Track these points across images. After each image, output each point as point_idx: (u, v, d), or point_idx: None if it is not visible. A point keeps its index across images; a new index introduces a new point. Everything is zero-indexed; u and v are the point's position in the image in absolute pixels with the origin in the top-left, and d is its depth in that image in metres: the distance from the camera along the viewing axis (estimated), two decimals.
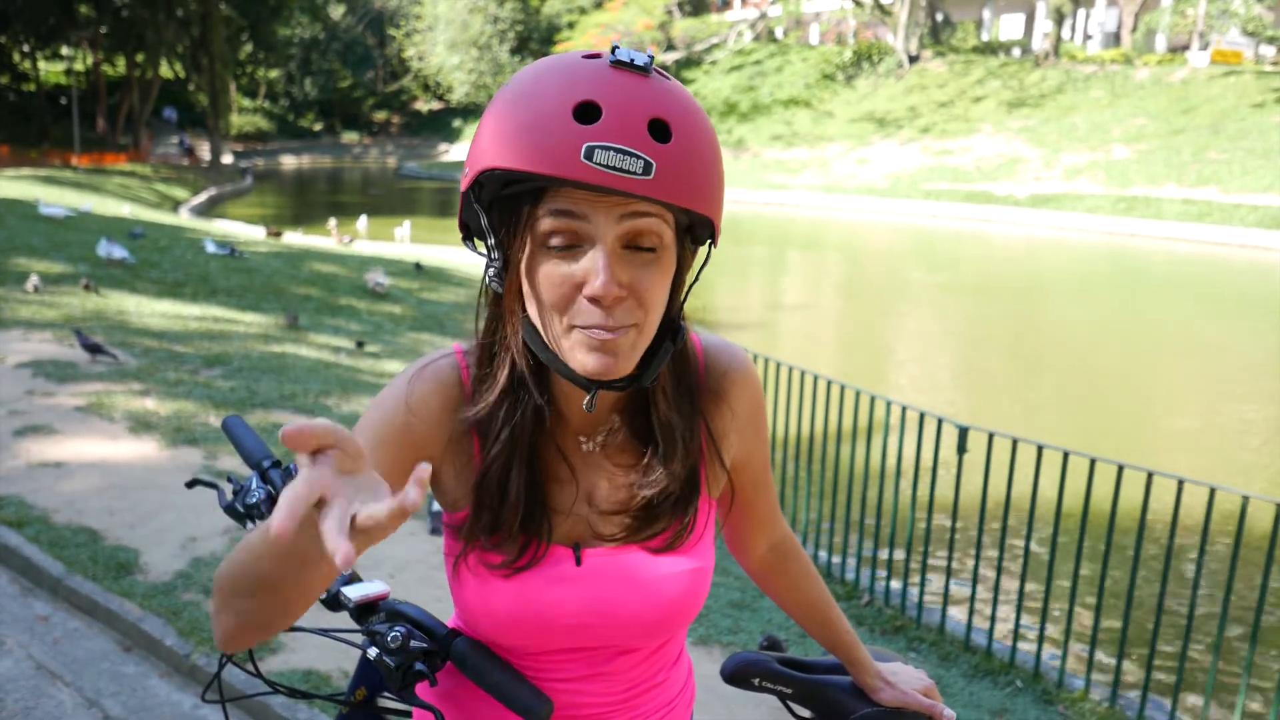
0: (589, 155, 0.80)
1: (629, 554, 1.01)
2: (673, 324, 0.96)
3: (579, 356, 0.88)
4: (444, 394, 1.00)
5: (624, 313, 0.87)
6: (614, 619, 1.00)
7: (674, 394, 1.00)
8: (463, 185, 0.91)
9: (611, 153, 0.80)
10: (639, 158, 0.81)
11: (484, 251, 0.95)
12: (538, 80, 0.85)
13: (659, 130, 0.83)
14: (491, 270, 0.93)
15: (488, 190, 0.88)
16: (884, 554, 4.94)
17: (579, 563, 1.00)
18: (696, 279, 0.97)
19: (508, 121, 0.84)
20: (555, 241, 0.86)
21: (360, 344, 8.62)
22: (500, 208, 0.89)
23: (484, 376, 0.99)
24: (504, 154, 0.84)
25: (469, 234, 0.97)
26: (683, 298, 0.96)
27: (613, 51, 0.85)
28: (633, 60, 0.84)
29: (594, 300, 0.85)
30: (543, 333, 0.91)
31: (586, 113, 0.82)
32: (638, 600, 1.00)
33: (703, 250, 0.98)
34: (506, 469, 0.97)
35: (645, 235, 0.86)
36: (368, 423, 1.00)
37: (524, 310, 0.92)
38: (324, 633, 1.19)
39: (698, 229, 0.93)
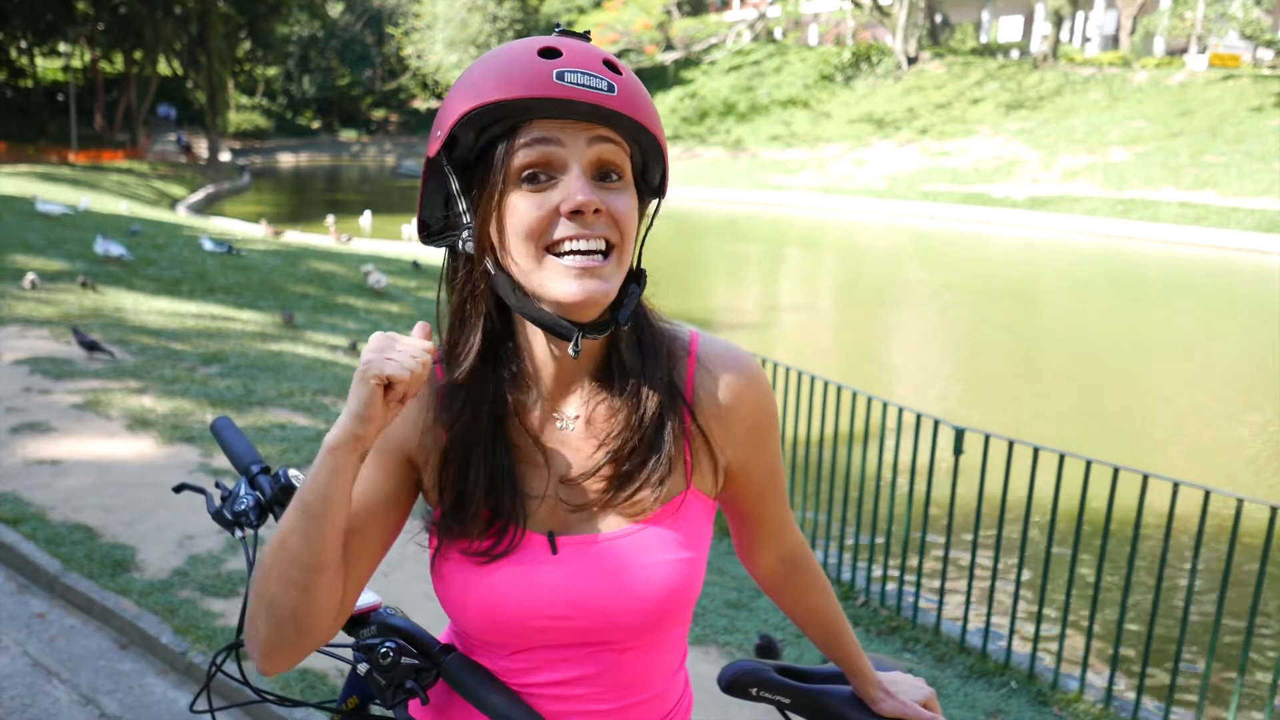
0: (560, 77, 0.89)
1: (607, 543, 0.99)
2: (634, 271, 1.00)
3: (561, 285, 0.91)
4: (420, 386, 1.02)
5: (602, 227, 0.92)
6: (595, 610, 0.98)
7: (633, 342, 1.01)
8: (431, 150, 0.95)
9: (580, 74, 0.90)
10: (603, 79, 0.91)
11: (445, 238, 1.00)
12: (499, 48, 0.94)
13: (611, 66, 0.93)
14: (465, 234, 0.97)
15: (462, 145, 0.94)
16: (880, 555, 4.95)
17: (554, 550, 0.99)
18: (650, 227, 1.02)
19: (479, 73, 0.92)
20: (531, 174, 0.92)
21: (354, 345, 8.56)
22: (471, 167, 0.95)
23: (455, 346, 1.01)
24: (482, 93, 0.90)
25: (429, 232, 1.01)
26: (638, 246, 1.00)
27: (555, 27, 0.97)
28: (574, 31, 0.96)
29: (574, 214, 0.90)
30: (519, 275, 0.94)
31: (549, 53, 0.91)
32: (618, 590, 0.98)
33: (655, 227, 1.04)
34: (469, 443, 0.99)
35: (612, 164, 0.93)
36: None
37: (498, 263, 0.96)
38: None
39: (650, 169, 0.99)
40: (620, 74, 0.93)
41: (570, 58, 0.90)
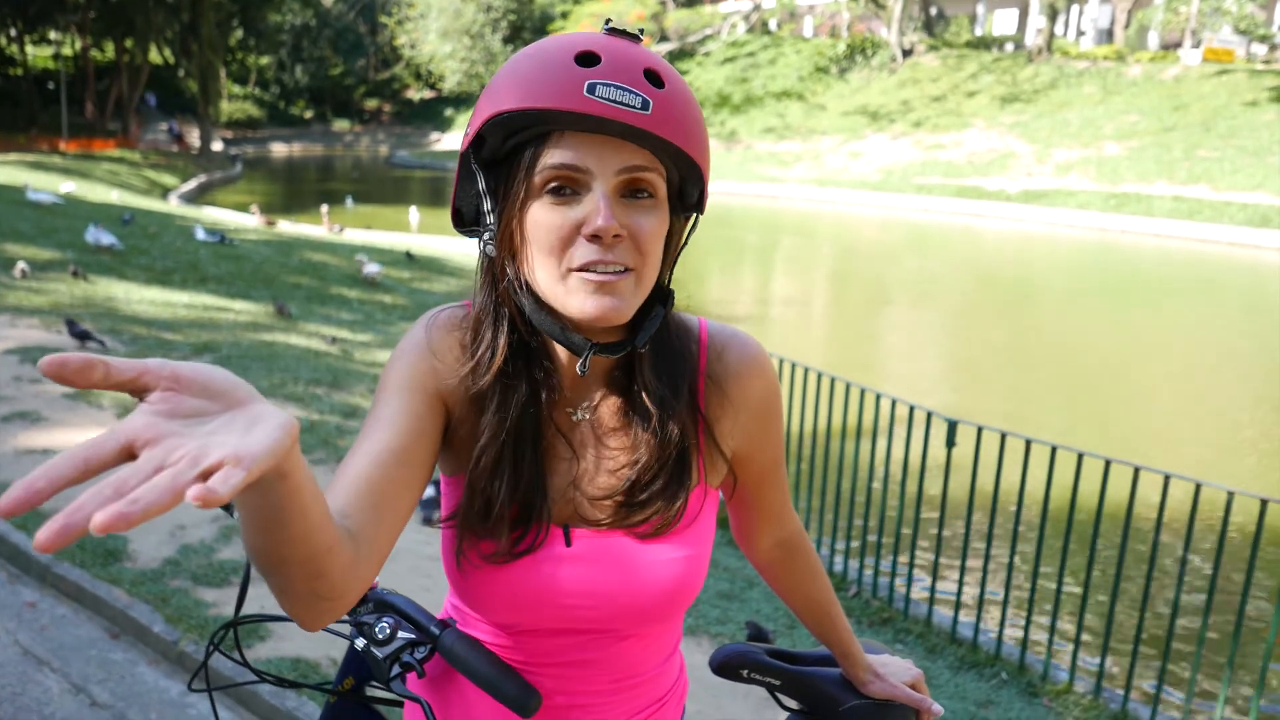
0: (591, 90, 0.84)
1: (619, 538, 1.00)
2: (662, 290, 0.97)
3: (578, 301, 0.88)
4: (462, 341, 1.00)
5: (622, 252, 0.88)
6: (605, 602, 0.99)
7: (655, 361, 0.99)
8: (463, 144, 0.92)
9: (613, 88, 0.84)
10: (638, 94, 0.85)
11: (478, 229, 0.97)
12: (541, 43, 0.90)
13: (653, 77, 0.87)
14: (487, 235, 0.95)
15: (490, 145, 0.90)
16: (872, 546, 4.97)
17: (569, 543, 1.00)
18: (685, 244, 0.98)
19: (513, 73, 0.88)
20: (554, 188, 0.88)
21: (334, 341, 8.44)
22: (499, 167, 0.92)
23: (478, 343, 0.98)
24: (510, 98, 0.86)
25: (461, 220, 0.98)
26: (672, 264, 0.97)
27: (606, 23, 0.93)
28: (625, 29, 0.91)
29: (594, 238, 0.86)
30: (537, 286, 0.91)
31: (587, 59, 0.86)
32: (629, 584, 0.99)
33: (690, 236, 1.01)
34: (501, 446, 0.97)
35: (643, 183, 0.89)
36: (394, 373, 0.99)
37: (518, 271, 0.93)
38: None
39: (688, 186, 0.94)
40: (663, 86, 0.86)
41: (608, 67, 0.85)
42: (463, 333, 1.00)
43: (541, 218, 0.88)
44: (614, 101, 0.84)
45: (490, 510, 0.97)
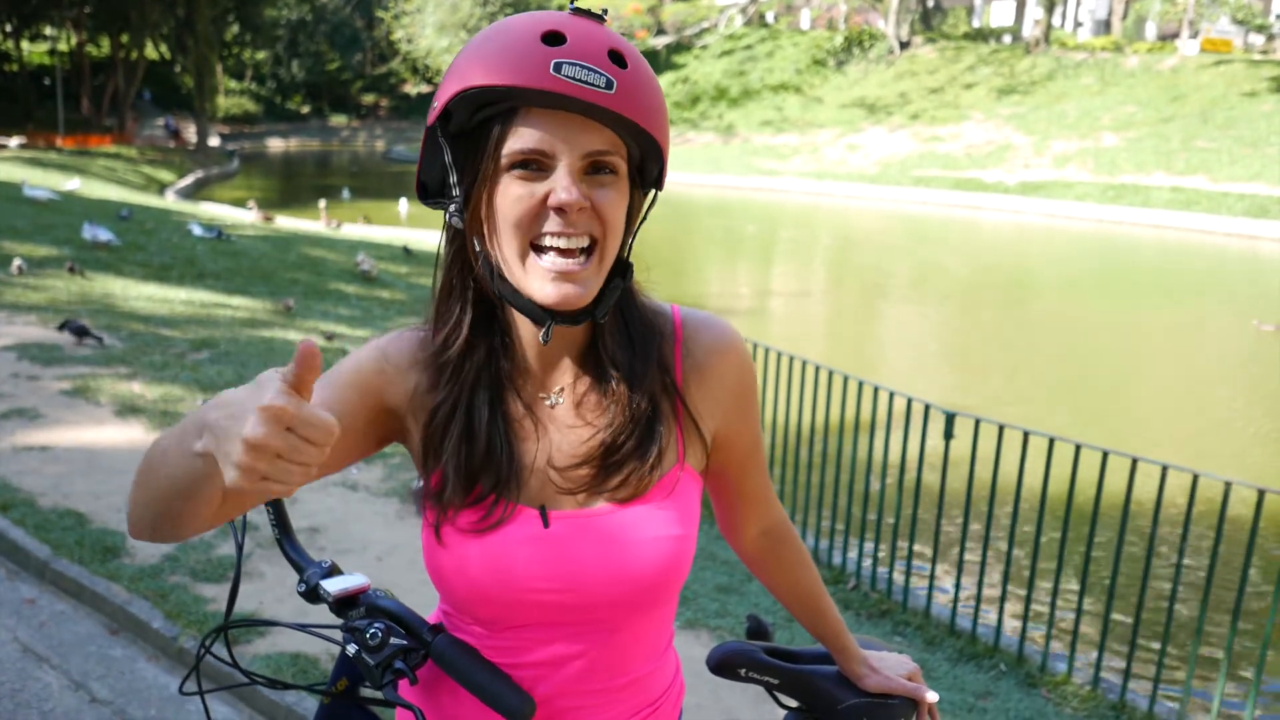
0: (557, 69, 0.86)
1: (599, 517, 1.00)
2: (622, 264, 0.99)
3: (538, 286, 0.92)
4: (416, 351, 1.03)
5: (585, 222, 0.91)
6: (584, 585, 0.99)
7: (619, 331, 1.02)
8: (430, 119, 0.94)
9: (578, 68, 0.87)
10: (602, 74, 0.87)
11: (443, 200, 0.99)
12: (505, 21, 0.92)
13: (617, 58, 0.89)
14: (453, 207, 0.97)
15: (456, 120, 0.93)
16: (870, 539, 4.97)
17: (546, 524, 0.99)
18: (644, 219, 1.01)
19: (478, 50, 0.90)
20: (520, 166, 0.91)
21: (331, 338, 8.42)
22: (466, 140, 0.94)
23: (443, 316, 1.01)
24: (476, 74, 0.89)
25: (426, 193, 1.00)
26: (631, 239, 1.00)
27: (571, 2, 0.95)
28: (589, 10, 0.93)
29: (559, 210, 0.90)
30: (500, 262, 0.94)
31: (553, 38, 0.88)
32: (609, 566, 0.98)
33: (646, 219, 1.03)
34: (454, 409, 0.99)
35: (605, 160, 0.92)
36: (342, 367, 1.02)
37: (483, 242, 0.96)
38: (303, 628, 1.17)
39: (648, 163, 0.97)
40: (625, 67, 0.89)
41: (573, 46, 0.87)
42: (419, 346, 1.03)
43: (509, 191, 0.91)
44: (579, 81, 0.86)
45: (459, 479, 0.98)
